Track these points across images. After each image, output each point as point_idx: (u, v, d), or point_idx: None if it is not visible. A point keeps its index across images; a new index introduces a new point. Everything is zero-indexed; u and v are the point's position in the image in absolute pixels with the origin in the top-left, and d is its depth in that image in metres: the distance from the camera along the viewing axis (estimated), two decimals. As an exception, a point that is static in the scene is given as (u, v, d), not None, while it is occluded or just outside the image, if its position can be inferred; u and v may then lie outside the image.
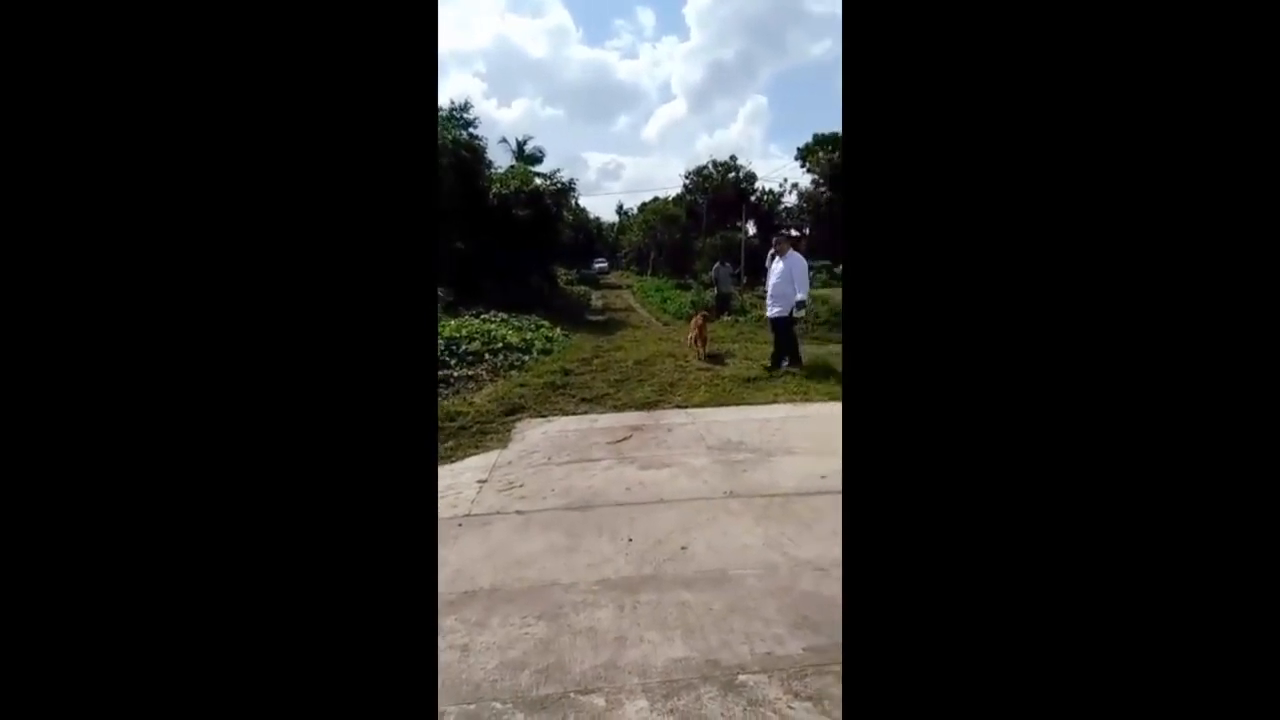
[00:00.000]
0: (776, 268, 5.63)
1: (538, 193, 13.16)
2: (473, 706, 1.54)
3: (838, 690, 1.56)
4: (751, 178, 31.70)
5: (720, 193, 30.34)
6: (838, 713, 1.49)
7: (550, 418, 4.47)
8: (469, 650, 1.77)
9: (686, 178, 32.22)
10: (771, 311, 5.66)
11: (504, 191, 12.71)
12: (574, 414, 4.58)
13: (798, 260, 5.58)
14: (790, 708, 1.51)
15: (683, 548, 2.37)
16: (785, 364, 5.52)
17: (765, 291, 5.79)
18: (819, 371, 5.43)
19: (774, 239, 6.10)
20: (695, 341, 6.60)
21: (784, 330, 5.59)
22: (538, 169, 15.95)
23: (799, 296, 5.46)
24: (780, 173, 42.43)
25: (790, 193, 31.55)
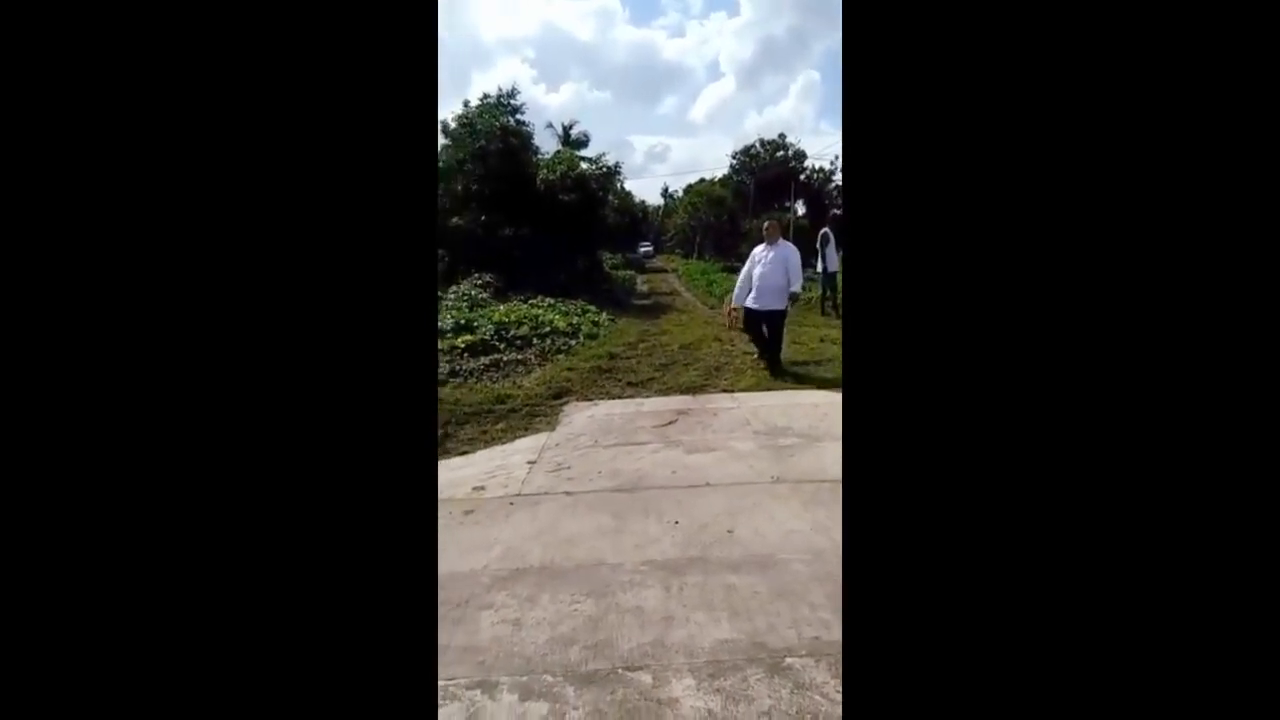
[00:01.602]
0: (765, 255, 5.11)
1: (583, 177, 13.19)
2: (525, 679, 1.60)
3: (887, 677, 1.55)
4: (801, 156, 30.87)
5: (768, 172, 29.65)
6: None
7: (597, 401, 4.53)
8: (521, 625, 1.84)
9: (733, 158, 31.69)
10: (759, 304, 5.10)
11: (550, 177, 12.80)
12: (620, 397, 4.63)
13: (792, 250, 5.17)
14: (839, 692, 1.51)
15: (729, 531, 2.38)
16: (765, 358, 5.14)
17: (754, 281, 5.15)
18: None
19: (765, 225, 5.51)
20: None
21: (777, 325, 5.16)
22: (584, 153, 15.97)
23: (794, 289, 5.10)
24: (832, 149, 40.99)
25: (841, 170, 30.53)
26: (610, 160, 14.34)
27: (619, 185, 17.37)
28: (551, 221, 12.36)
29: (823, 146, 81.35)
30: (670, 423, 3.86)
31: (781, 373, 5.02)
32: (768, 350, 5.20)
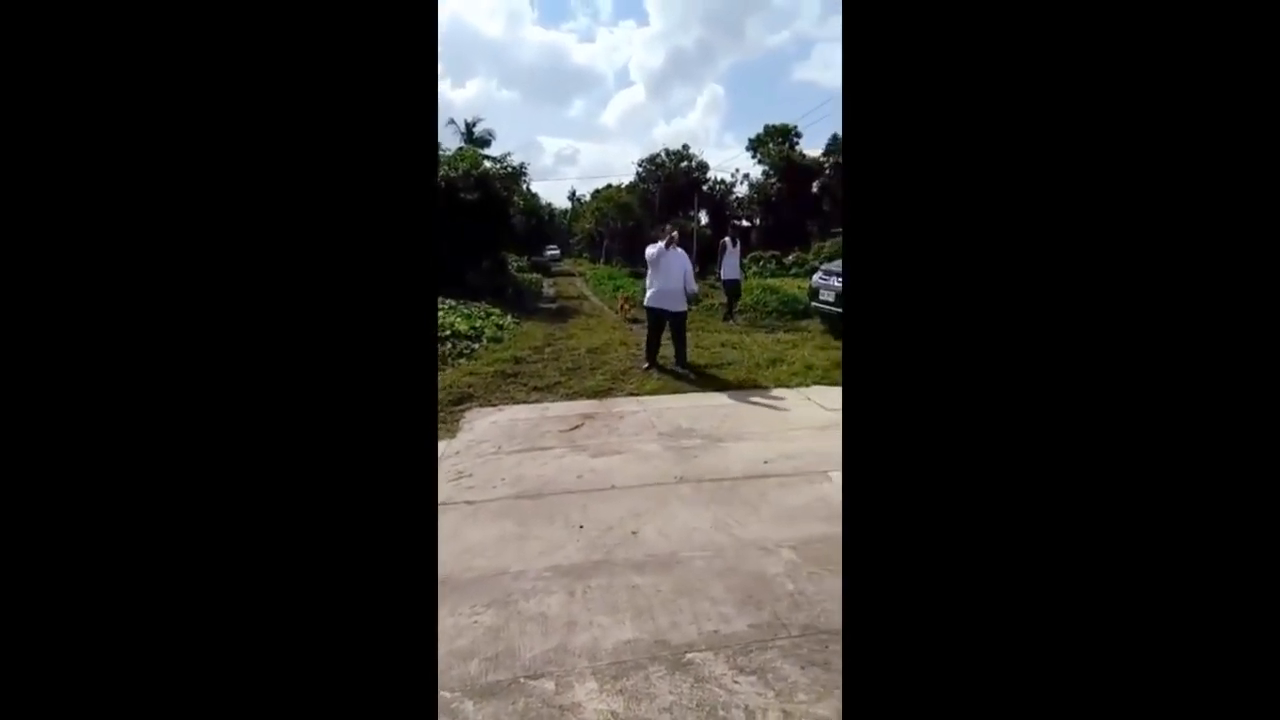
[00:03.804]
0: (666, 262, 5.26)
1: (487, 176, 12.82)
2: (420, 697, 1.53)
3: (781, 664, 1.63)
4: (704, 167, 31.87)
5: (673, 182, 30.40)
6: (780, 685, 1.56)
7: (501, 406, 4.41)
8: (416, 641, 1.75)
9: (640, 166, 32.18)
10: (667, 306, 5.28)
11: (451, 174, 12.32)
12: (525, 402, 4.53)
13: (685, 258, 5.49)
14: (735, 682, 1.57)
15: (633, 532, 2.40)
16: (677, 364, 5.32)
17: (656, 286, 5.34)
18: (768, 361, 5.57)
19: (666, 231, 5.64)
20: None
21: (680, 326, 5.38)
22: (488, 152, 15.56)
23: (691, 288, 5.45)
24: (734, 162, 42.89)
25: (741, 183, 31.96)
26: (517, 160, 14.07)
27: (525, 186, 17.04)
28: (453, 221, 11.90)
29: (725, 159, 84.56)
30: (576, 427, 3.84)
31: (687, 374, 5.16)
32: (676, 354, 5.34)
